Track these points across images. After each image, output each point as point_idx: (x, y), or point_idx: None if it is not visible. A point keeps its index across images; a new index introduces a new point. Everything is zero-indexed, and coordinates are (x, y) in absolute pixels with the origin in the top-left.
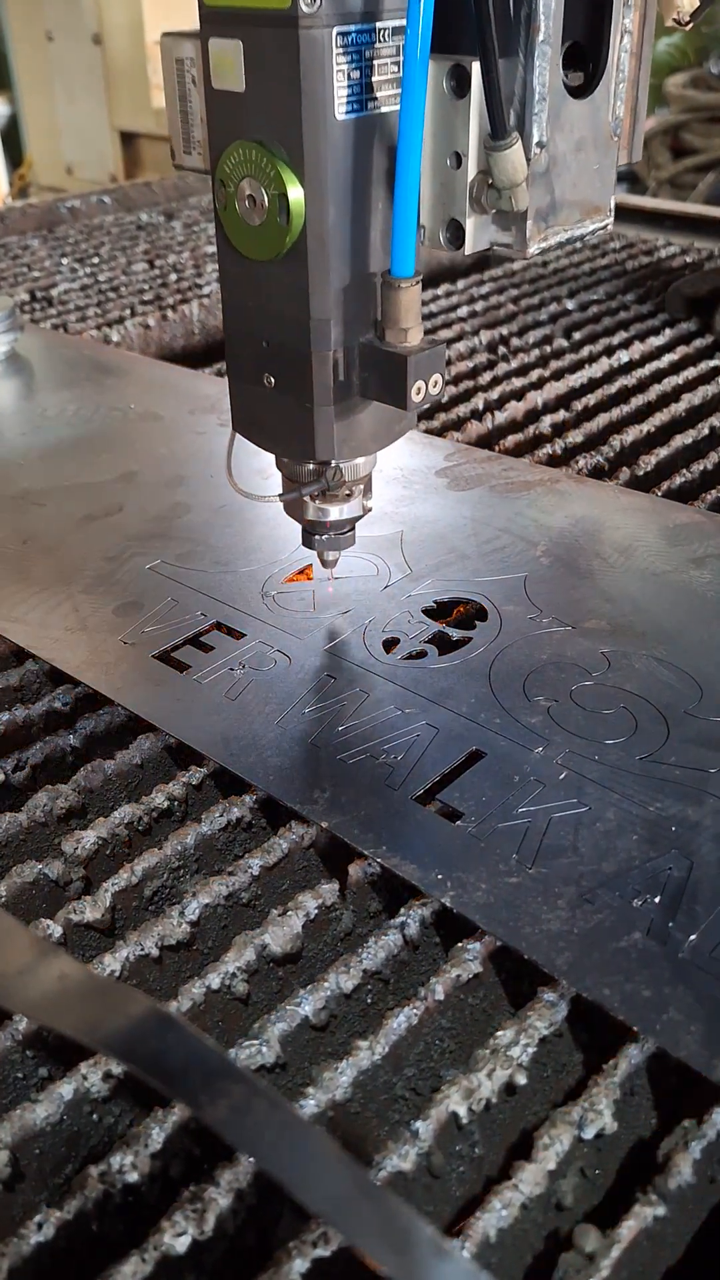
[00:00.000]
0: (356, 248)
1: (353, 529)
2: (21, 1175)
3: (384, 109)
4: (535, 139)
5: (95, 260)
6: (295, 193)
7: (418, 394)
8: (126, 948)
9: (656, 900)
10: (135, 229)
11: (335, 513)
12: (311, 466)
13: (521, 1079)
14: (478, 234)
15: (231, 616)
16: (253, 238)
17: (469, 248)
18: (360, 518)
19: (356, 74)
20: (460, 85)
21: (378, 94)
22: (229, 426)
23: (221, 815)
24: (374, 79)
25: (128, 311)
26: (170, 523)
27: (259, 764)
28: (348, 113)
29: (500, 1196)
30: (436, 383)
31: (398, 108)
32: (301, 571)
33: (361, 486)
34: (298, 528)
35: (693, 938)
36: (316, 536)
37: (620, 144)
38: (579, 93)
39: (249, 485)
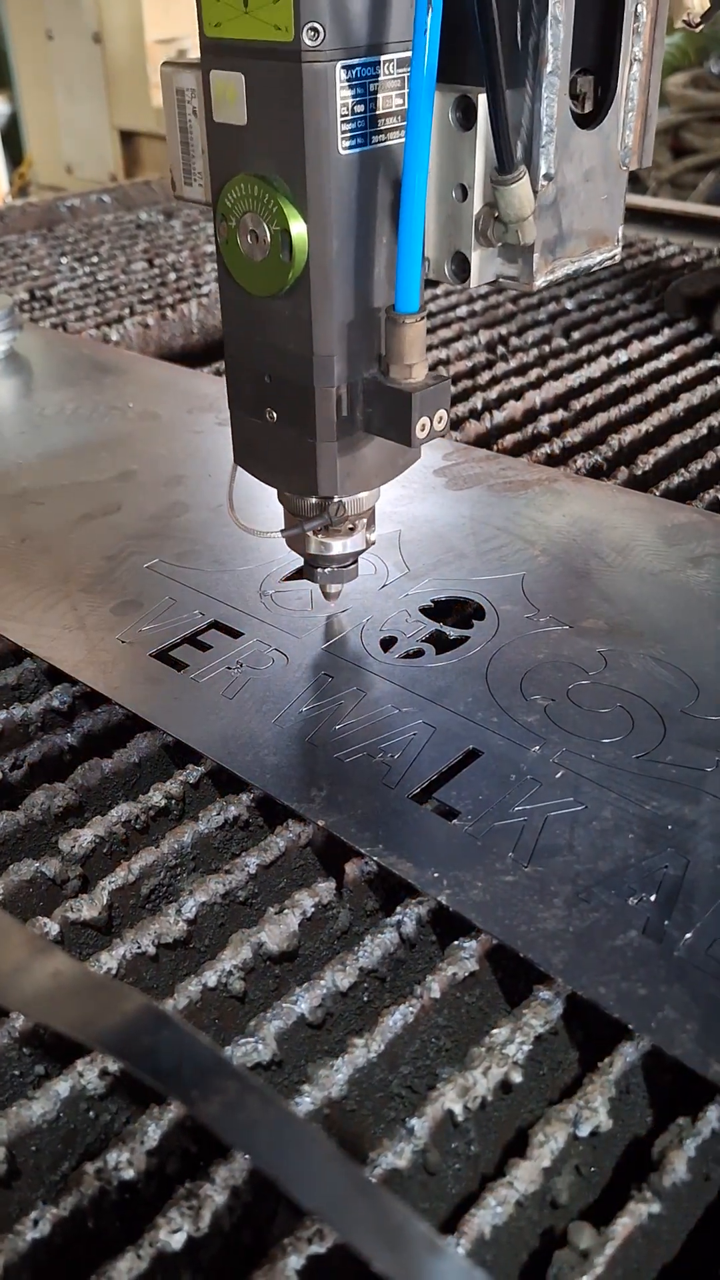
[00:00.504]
0: (360, 283)
1: (355, 562)
2: (18, 1172)
3: (389, 142)
4: (543, 171)
5: (95, 259)
6: (298, 228)
7: (422, 430)
8: (123, 946)
9: (652, 899)
10: (135, 228)
11: (338, 547)
12: (314, 501)
13: (517, 1077)
14: (483, 267)
15: (229, 615)
16: (255, 273)
17: (474, 281)
18: (363, 551)
19: (360, 107)
20: (466, 117)
21: (382, 127)
22: (227, 425)
23: (219, 814)
24: (378, 112)
25: (127, 310)
26: (168, 522)
27: (256, 763)
28: (351, 147)
29: (495, 1194)
30: (441, 418)
31: (403, 141)
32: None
33: (364, 520)
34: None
35: (688, 936)
36: (319, 570)
37: (629, 164)
38: (587, 122)
39: (250, 513)
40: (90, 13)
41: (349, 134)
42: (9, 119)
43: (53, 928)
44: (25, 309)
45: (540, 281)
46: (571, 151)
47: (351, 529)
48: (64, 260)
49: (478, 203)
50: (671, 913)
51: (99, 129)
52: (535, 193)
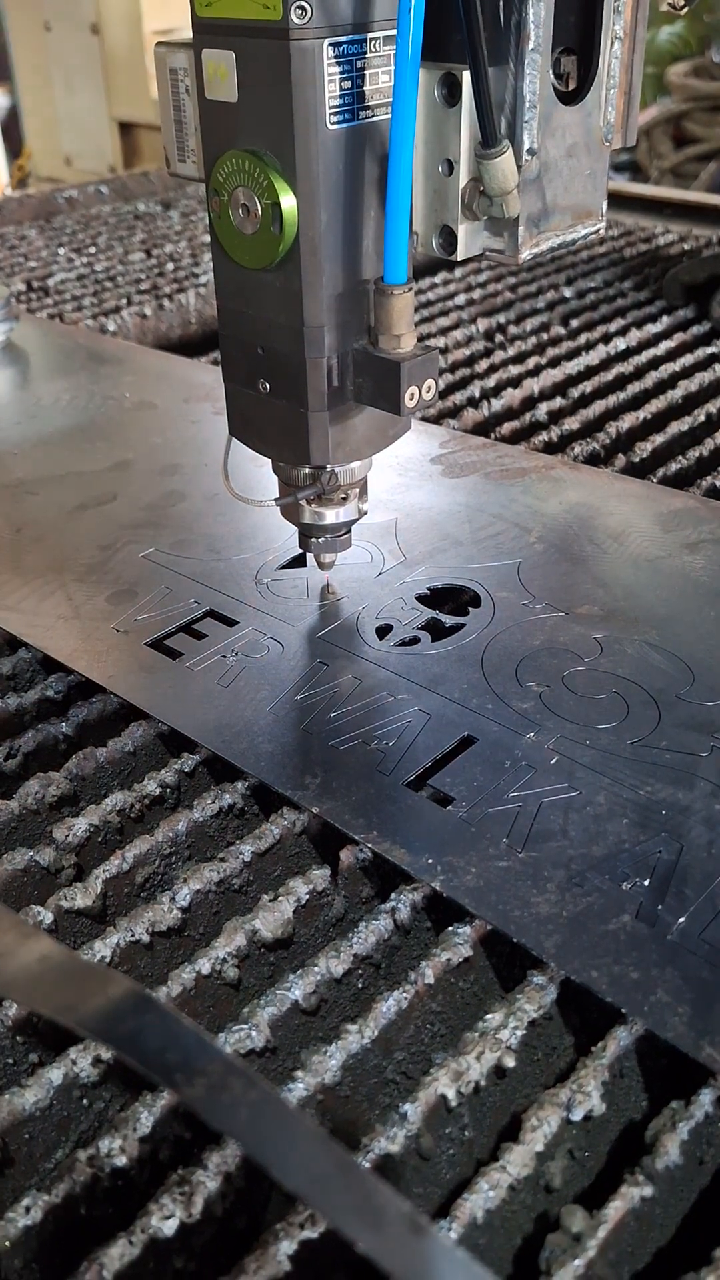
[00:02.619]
0: (349, 255)
1: (349, 531)
2: (11, 1160)
3: (375, 118)
4: (526, 146)
5: (92, 250)
6: (288, 201)
7: (411, 399)
8: (117, 934)
9: (646, 883)
10: (132, 219)
11: (331, 516)
12: (307, 471)
13: (511, 1062)
14: (470, 240)
15: (224, 604)
16: (246, 246)
17: (461, 254)
18: (356, 521)
19: (348, 84)
20: (451, 93)
21: (369, 103)
22: (223, 415)
23: (213, 802)
24: (365, 88)
25: (124, 301)
26: (164, 511)
27: (251, 750)
28: (339, 122)
29: (488, 1178)
30: (430, 388)
31: (389, 117)
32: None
33: (357, 490)
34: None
35: (681, 920)
36: (313, 539)
37: (613, 140)
38: (570, 99)
39: (248, 485)
40: (88, 4)
41: (337, 110)
42: (8, 111)
43: (47, 916)
44: (22, 300)
45: (525, 254)
46: (554, 128)
47: (344, 498)
48: (61, 251)
49: (463, 177)
50: (664, 897)
51: (97, 120)
52: (519, 167)
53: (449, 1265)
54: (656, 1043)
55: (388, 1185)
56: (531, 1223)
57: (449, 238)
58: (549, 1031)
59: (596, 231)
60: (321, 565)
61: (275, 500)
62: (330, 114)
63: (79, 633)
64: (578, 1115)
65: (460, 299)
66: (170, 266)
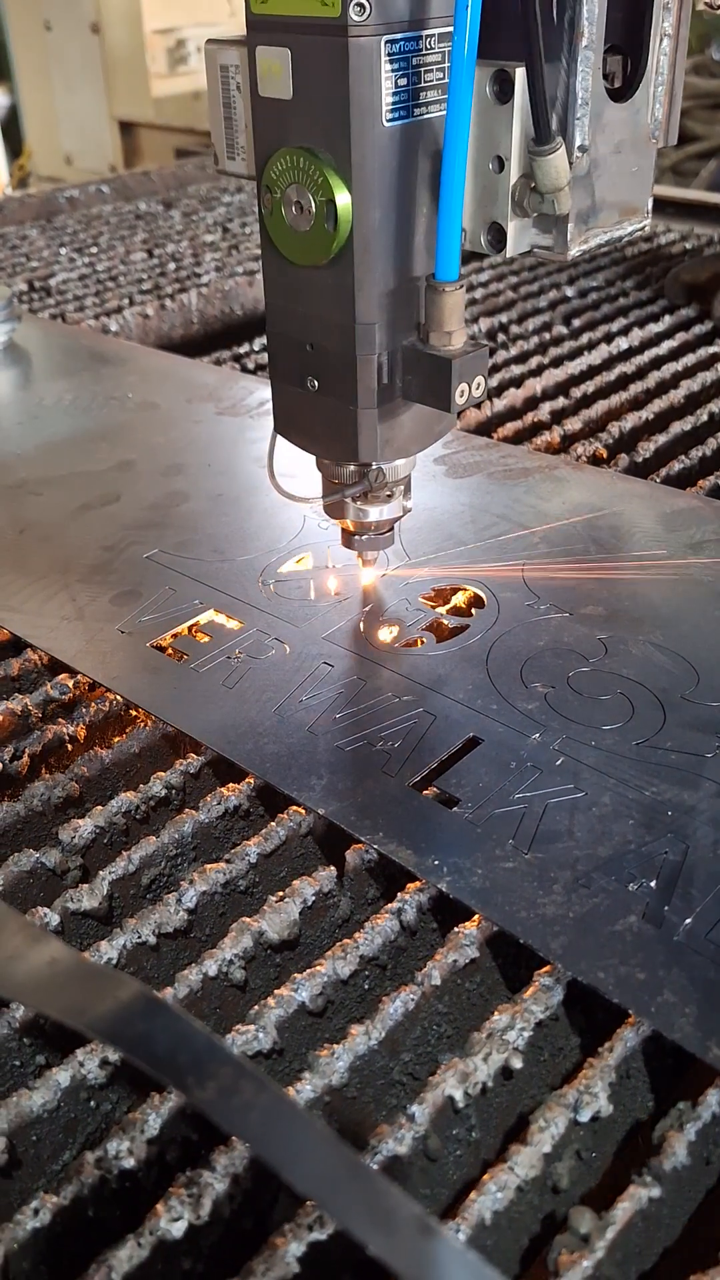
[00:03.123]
0: (401, 252)
1: (392, 529)
2: (19, 1162)
3: (429, 114)
4: (578, 143)
5: (94, 250)
6: (343, 199)
7: (461, 396)
8: (124, 936)
9: (652, 884)
10: (134, 218)
11: (376, 514)
12: (353, 468)
13: (518, 1063)
14: (519, 237)
15: (229, 605)
16: (299, 243)
17: (510, 250)
18: (400, 518)
19: (404, 80)
20: (504, 90)
21: (423, 100)
22: (226, 415)
23: (219, 803)
24: (420, 85)
25: (126, 301)
26: (167, 511)
27: (256, 752)
28: (394, 119)
29: (496, 1179)
30: (479, 385)
31: (443, 113)
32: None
33: (402, 487)
34: (295, 516)
35: (688, 921)
36: (356, 537)
37: (659, 138)
38: (619, 96)
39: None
40: (88, 3)
41: (392, 107)
42: (8, 110)
43: (53, 918)
44: (24, 300)
45: (575, 251)
46: (604, 124)
47: (389, 496)
48: (63, 251)
49: (514, 174)
50: (671, 898)
51: (98, 120)
52: (570, 164)
53: (458, 1267)
54: (663, 1043)
55: (398, 1188)
56: (538, 1223)
57: (498, 234)
58: (556, 1032)
59: (642, 228)
60: (365, 563)
61: (321, 498)
62: (386, 111)
63: (83, 634)
64: (585, 1116)
65: None
66: (172, 266)
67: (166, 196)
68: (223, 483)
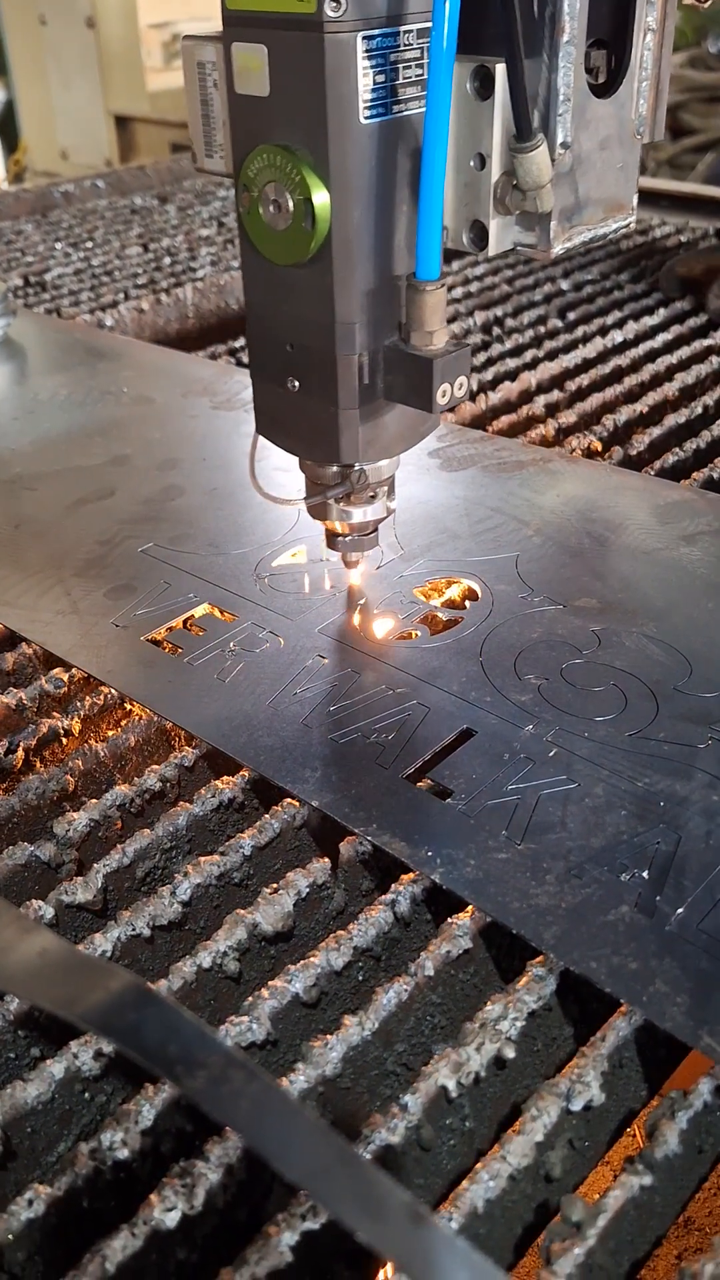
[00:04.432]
0: (381, 251)
1: (375, 530)
2: (14, 1154)
3: (408, 112)
4: (560, 140)
5: (89, 244)
6: (320, 197)
7: (443, 396)
8: (118, 928)
9: (644, 874)
10: (129, 213)
11: (359, 515)
12: (335, 469)
13: (510, 1052)
14: (501, 235)
15: (223, 598)
16: (277, 242)
17: (493, 249)
18: (384, 519)
19: (381, 77)
20: (485, 86)
21: (402, 96)
22: (221, 409)
23: (213, 796)
24: (398, 82)
25: (121, 295)
26: (162, 506)
27: (250, 744)
28: (372, 116)
29: (489, 1168)
30: (462, 384)
31: (423, 110)
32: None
33: (385, 488)
34: (289, 510)
35: (680, 911)
36: (340, 538)
37: (644, 135)
38: (602, 91)
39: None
40: None
41: (370, 104)
42: (4, 105)
43: (47, 911)
44: (19, 295)
45: (558, 249)
46: (587, 120)
47: (373, 497)
48: (58, 246)
49: (496, 171)
50: (663, 888)
51: (93, 114)
52: (553, 161)
53: (449, 1255)
54: (656, 1033)
55: (388, 1176)
56: (531, 1212)
57: (480, 232)
58: (548, 1022)
59: (627, 225)
60: (348, 564)
61: (303, 499)
62: (364, 108)
63: (78, 628)
64: (577, 1105)
65: (458, 292)
66: (167, 261)
67: (162, 191)
68: (218, 477)
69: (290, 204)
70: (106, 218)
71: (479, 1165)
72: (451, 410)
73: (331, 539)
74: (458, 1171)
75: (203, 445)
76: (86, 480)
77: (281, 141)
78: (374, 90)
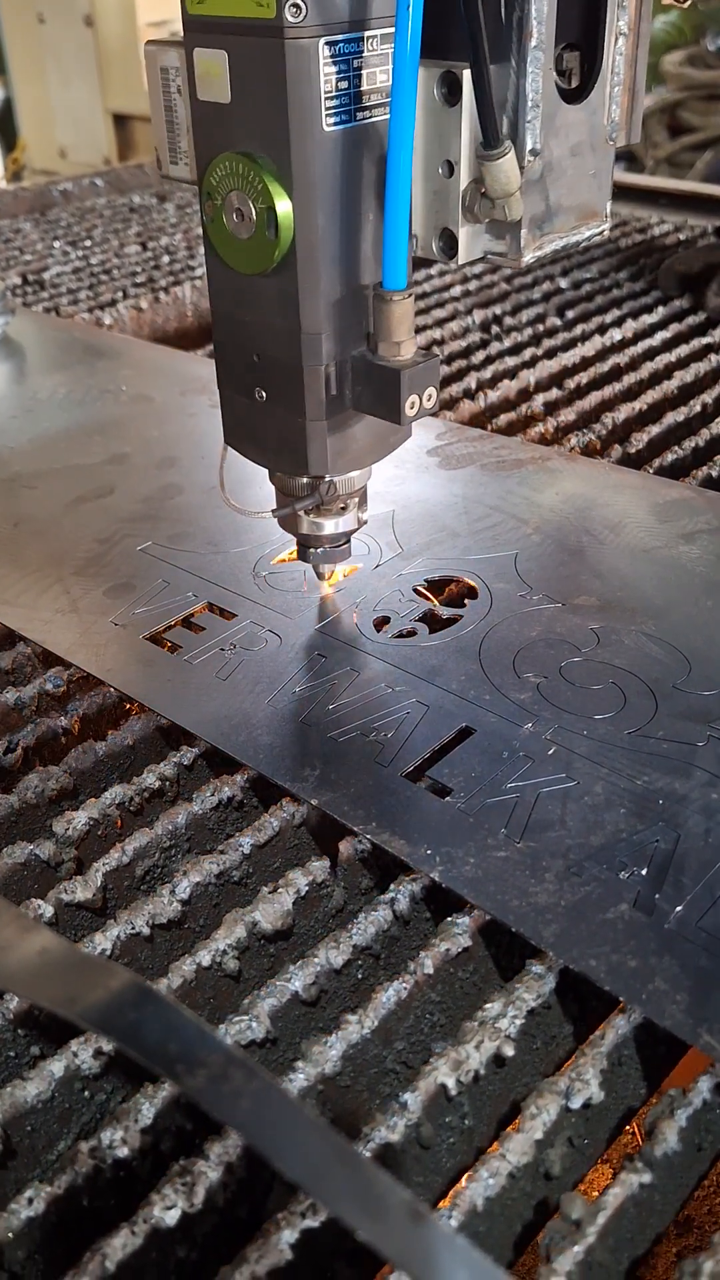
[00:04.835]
0: (347, 260)
1: (348, 542)
2: (14, 1152)
3: (373, 119)
4: (529, 147)
5: (87, 243)
6: (283, 206)
7: (412, 408)
8: (118, 927)
9: (643, 872)
10: (128, 211)
11: (330, 526)
12: (305, 480)
13: (510, 1050)
14: (471, 243)
15: (222, 597)
16: (241, 251)
17: (462, 258)
18: (355, 531)
19: (345, 84)
20: (451, 92)
21: (367, 103)
22: (220, 408)
23: (213, 794)
24: (363, 88)
25: (120, 294)
26: (161, 504)
27: (250, 743)
28: (336, 123)
29: (488, 1166)
30: (430, 396)
31: (387, 118)
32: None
33: (356, 499)
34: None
35: (679, 909)
36: (311, 550)
37: (618, 138)
38: (574, 97)
39: (242, 495)
40: None
41: (333, 110)
42: (2, 104)
43: (47, 910)
44: (18, 293)
45: (528, 257)
46: (558, 127)
47: (344, 508)
48: (56, 244)
49: (464, 179)
50: (662, 886)
51: (92, 113)
52: (521, 168)
53: (449, 1253)
54: (655, 1030)
55: (387, 1174)
56: (531, 1210)
57: (449, 241)
58: (548, 1020)
59: (601, 232)
60: (320, 577)
61: (273, 512)
62: (327, 115)
63: (77, 626)
64: (577, 1103)
65: (456, 290)
66: (166, 259)
67: (160, 190)
68: (216, 476)
69: (253, 212)
70: (105, 216)
71: (478, 1163)
72: (451, 408)
73: (304, 551)
74: (457, 1169)
75: (201, 444)
76: (85, 479)
77: (244, 149)
78: (337, 97)
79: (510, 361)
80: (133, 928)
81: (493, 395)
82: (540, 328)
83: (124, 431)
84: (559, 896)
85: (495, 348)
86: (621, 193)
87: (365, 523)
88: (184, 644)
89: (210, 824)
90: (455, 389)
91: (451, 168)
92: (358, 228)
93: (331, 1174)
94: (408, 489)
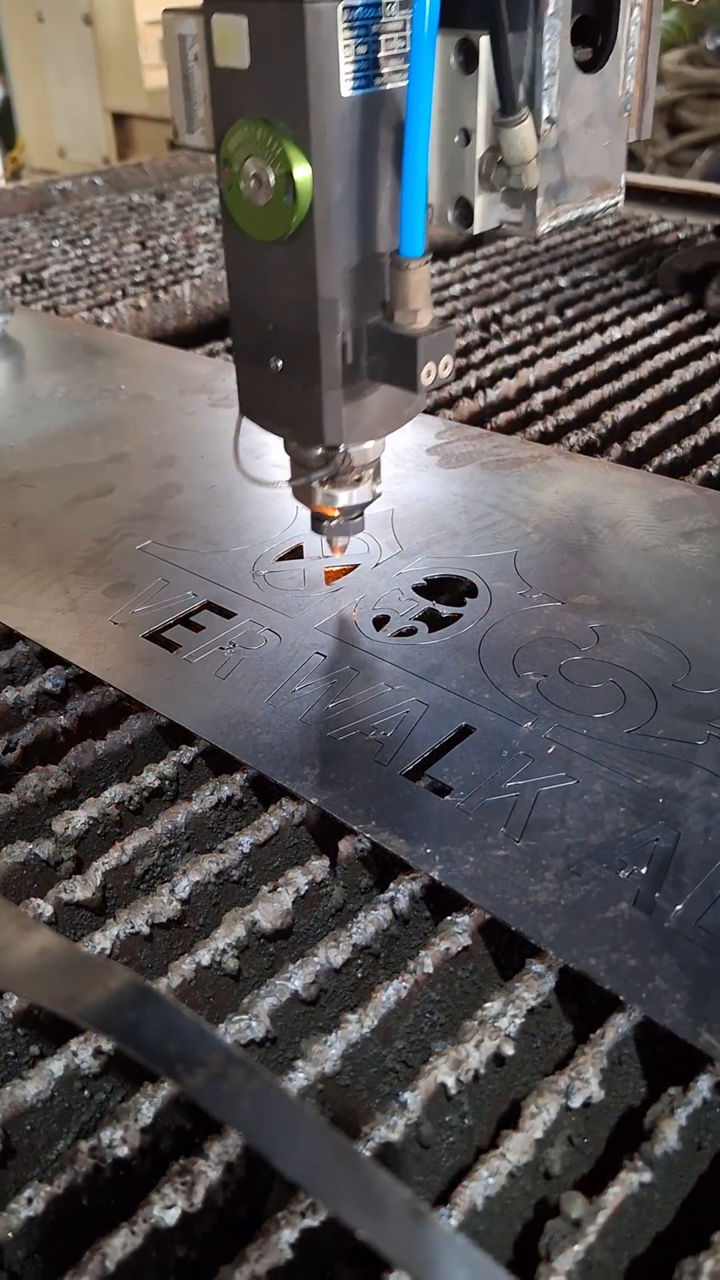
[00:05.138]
0: (364, 227)
1: (361, 515)
2: (13, 1152)
3: (391, 85)
4: (545, 115)
5: (86, 242)
6: (302, 171)
7: (428, 376)
8: (117, 926)
9: (643, 871)
10: (127, 210)
11: (344, 498)
12: (320, 451)
13: (510, 1050)
14: (487, 212)
15: (222, 596)
16: (258, 218)
17: (478, 226)
18: (370, 503)
19: (363, 49)
20: (469, 60)
21: (385, 70)
22: (219, 407)
23: (212, 793)
24: (381, 54)
25: (119, 293)
26: (161, 503)
27: (249, 742)
28: (355, 89)
29: (488, 1165)
30: (446, 364)
31: (405, 84)
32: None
33: (371, 471)
34: (288, 507)
35: (678, 907)
36: (325, 523)
37: (630, 120)
38: (589, 67)
39: (249, 468)
40: None
41: (352, 76)
42: (1, 103)
43: (46, 909)
44: (17, 292)
45: (544, 227)
46: (573, 97)
47: (358, 480)
48: (55, 243)
49: (480, 147)
50: (662, 885)
51: (91, 112)
52: (538, 136)
53: (449, 1252)
54: (655, 1029)
55: (387, 1173)
56: (531, 1209)
57: (465, 210)
58: (548, 1019)
59: (615, 204)
60: (334, 550)
61: (287, 481)
62: (346, 80)
63: (77, 625)
64: (577, 1102)
65: (455, 289)
66: (165, 258)
67: (159, 188)
68: (216, 474)
69: (271, 178)
70: (104, 215)
71: (479, 1163)
72: (450, 406)
73: (317, 523)
74: (457, 1169)
75: (201, 443)
76: (85, 478)
77: (262, 115)
78: (355, 62)
79: (510, 360)
80: (132, 927)
81: (492, 394)
82: (540, 326)
83: (123, 430)
84: (559, 895)
85: (495, 346)
86: None
87: (379, 495)
88: (183, 643)
89: (210, 823)
90: (454, 387)
91: (468, 136)
92: (375, 194)
93: (331, 1173)
94: (407, 487)
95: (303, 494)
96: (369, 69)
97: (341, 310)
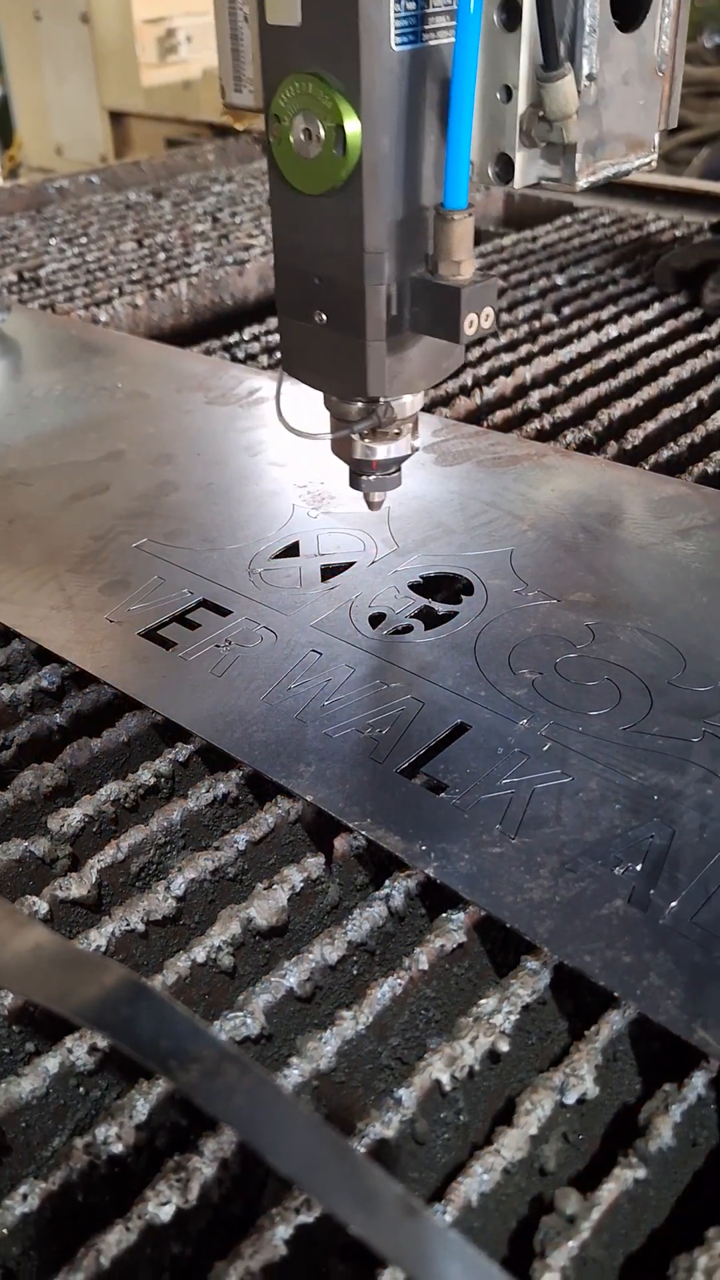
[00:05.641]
0: (410, 180)
1: (399, 469)
2: (8, 1149)
3: (438, 40)
4: (586, 71)
5: (83, 240)
6: (352, 124)
7: (470, 326)
8: (113, 923)
9: (638, 868)
10: (124, 208)
11: (383, 451)
12: (360, 405)
13: (504, 1046)
14: (527, 168)
15: (218, 593)
16: (307, 171)
17: (519, 181)
18: (408, 457)
19: (412, 5)
20: (511, 17)
21: (432, 25)
22: (215, 404)
23: (208, 791)
24: (429, 10)
25: (116, 291)
26: (157, 501)
27: (245, 740)
28: (403, 43)
29: (483, 1162)
30: (488, 315)
31: (451, 40)
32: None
33: (410, 425)
34: (284, 505)
35: (674, 904)
36: (364, 477)
37: (661, 107)
38: (626, 26)
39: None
40: None
41: (401, 30)
42: None
43: (42, 906)
44: (14, 291)
45: (583, 183)
46: (611, 53)
47: (397, 434)
48: (52, 241)
49: (522, 103)
50: (657, 882)
51: (88, 110)
52: (578, 92)
53: (443, 1248)
54: (650, 1026)
55: (381, 1169)
56: (526, 1205)
57: (505, 165)
58: (543, 1016)
59: (649, 163)
60: (371, 506)
61: (329, 434)
62: (395, 35)
63: (73, 623)
64: (571, 1099)
65: None
66: (162, 256)
67: (156, 186)
68: (212, 472)
69: (321, 131)
70: (101, 213)
71: (473, 1159)
72: (447, 404)
73: (355, 478)
74: (452, 1165)
75: (197, 440)
76: (81, 476)
77: (313, 70)
78: (404, 17)
79: (506, 358)
80: (128, 924)
81: (489, 392)
82: (536, 324)
83: (119, 428)
84: (554, 892)
85: (491, 344)
86: (618, 189)
87: (417, 449)
88: (179, 641)
89: (205, 820)
90: (451, 385)
91: (509, 92)
92: (420, 148)
93: (326, 1170)
94: (404, 485)
95: (342, 447)
96: (417, 25)
97: (387, 262)
